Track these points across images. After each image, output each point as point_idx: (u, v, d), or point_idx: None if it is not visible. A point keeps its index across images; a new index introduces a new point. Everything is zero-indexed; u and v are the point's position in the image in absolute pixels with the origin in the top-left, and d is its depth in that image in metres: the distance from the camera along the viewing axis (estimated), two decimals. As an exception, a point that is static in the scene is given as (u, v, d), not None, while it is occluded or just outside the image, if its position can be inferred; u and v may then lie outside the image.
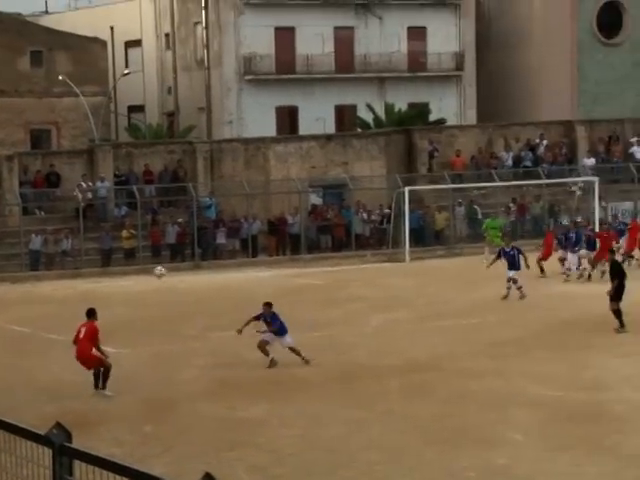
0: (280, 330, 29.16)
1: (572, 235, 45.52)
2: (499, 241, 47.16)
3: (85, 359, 25.77)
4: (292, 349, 29.10)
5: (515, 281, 39.63)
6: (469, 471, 19.93)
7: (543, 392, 25.76)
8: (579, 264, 44.74)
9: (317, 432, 22.87)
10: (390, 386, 27.03)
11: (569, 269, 44.64)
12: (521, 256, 40.36)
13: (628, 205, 59.25)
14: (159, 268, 28.66)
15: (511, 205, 58.15)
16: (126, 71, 73.42)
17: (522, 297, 39.11)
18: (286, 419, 23.93)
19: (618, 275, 33.44)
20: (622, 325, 32.52)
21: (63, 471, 7.68)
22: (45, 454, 7.80)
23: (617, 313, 32.46)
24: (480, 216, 56.42)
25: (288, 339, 29.49)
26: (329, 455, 21.07)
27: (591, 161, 62.26)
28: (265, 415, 24.29)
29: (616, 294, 32.59)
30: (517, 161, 62.08)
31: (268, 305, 29.62)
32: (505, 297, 39.45)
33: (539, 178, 59.00)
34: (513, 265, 40.02)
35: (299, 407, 25.00)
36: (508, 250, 41.20)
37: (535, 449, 21.18)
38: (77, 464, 7.58)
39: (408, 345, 31.98)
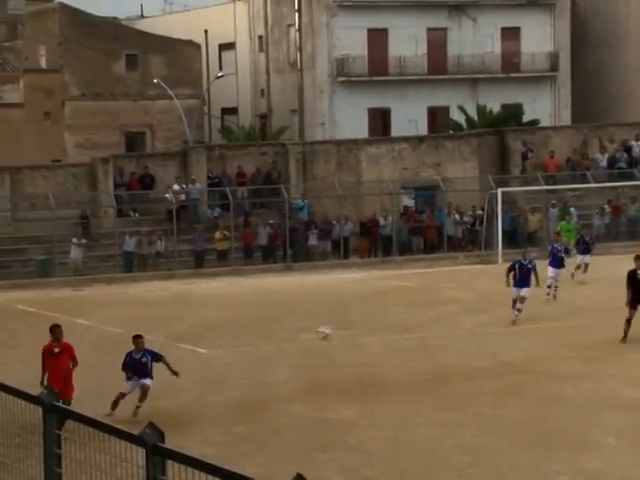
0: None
1: None
2: (573, 243, 47.10)
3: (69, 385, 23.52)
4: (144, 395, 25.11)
5: (523, 300, 35.41)
6: (562, 475, 19.83)
7: (637, 395, 25.45)
8: None
9: (408, 434, 22.83)
10: (482, 388, 26.95)
11: None
12: (533, 272, 36.44)
13: None
14: (323, 328, 27.54)
15: (606, 207, 57.76)
16: (220, 74, 74.15)
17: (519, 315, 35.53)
18: (377, 421, 23.91)
19: None
20: None
21: (156, 471, 7.70)
22: (139, 454, 7.78)
23: None
24: (575, 218, 56.01)
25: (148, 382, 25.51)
26: (421, 457, 21.07)
27: None
28: (356, 416, 24.28)
29: None
30: (612, 162, 61.54)
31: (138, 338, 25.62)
32: (514, 322, 35.16)
33: (634, 179, 58.57)
34: (524, 282, 35.69)
35: (390, 409, 24.98)
36: (526, 263, 37.03)
37: (629, 453, 20.98)
38: (170, 464, 7.56)
39: (500, 347, 31.93)
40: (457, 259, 53.55)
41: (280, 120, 72.58)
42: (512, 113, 68.97)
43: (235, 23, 78.07)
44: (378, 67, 71.81)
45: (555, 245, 41.36)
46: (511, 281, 35.48)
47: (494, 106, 69.20)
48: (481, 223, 55.44)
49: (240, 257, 54.23)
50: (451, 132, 66.05)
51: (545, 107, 73.32)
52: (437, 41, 72.76)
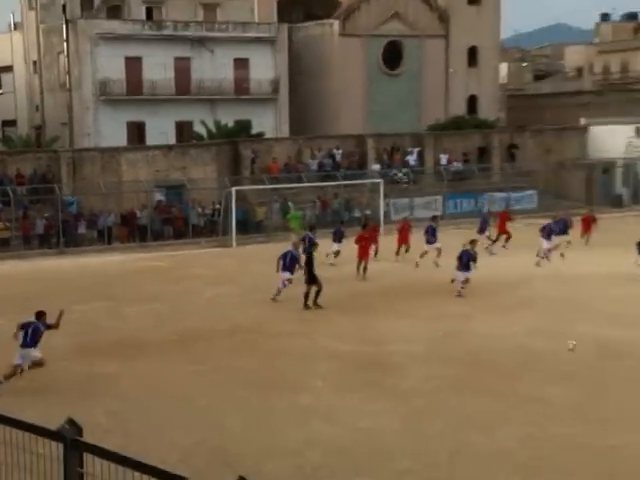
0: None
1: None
2: (299, 228, 48.01)
3: None
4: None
5: (287, 283, 34.01)
6: (280, 408, 20.63)
7: (341, 348, 26.47)
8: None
9: (162, 384, 23.15)
10: (220, 346, 27.42)
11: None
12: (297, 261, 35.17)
13: (406, 201, 60.21)
14: (572, 342, 26.33)
15: (316, 201, 58.94)
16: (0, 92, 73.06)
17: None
18: (136, 373, 24.20)
19: None
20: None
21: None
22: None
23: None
24: (292, 210, 57.16)
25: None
26: (171, 400, 21.53)
27: (377, 167, 63.29)
28: (119, 370, 24.51)
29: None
30: (321, 166, 62.70)
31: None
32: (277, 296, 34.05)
33: (337, 180, 59.67)
34: (289, 269, 34.06)
35: (147, 364, 25.27)
36: (295, 253, 35.81)
37: (333, 392, 21.96)
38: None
39: (235, 313, 32.35)
40: (200, 244, 53.46)
41: (53, 131, 71.74)
42: (243, 127, 69.31)
43: (12, 50, 77.28)
44: (134, 88, 71.58)
45: (310, 235, 39.24)
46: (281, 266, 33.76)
47: (229, 121, 69.61)
48: (219, 215, 55.66)
49: (20, 244, 52.64)
50: (194, 142, 66.12)
51: (269, 122, 74.07)
52: (182, 68, 72.90)
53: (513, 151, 68.47)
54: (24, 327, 23.47)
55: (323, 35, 78.82)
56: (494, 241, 46.72)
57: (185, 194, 58.27)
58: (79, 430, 5.74)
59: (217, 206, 56.90)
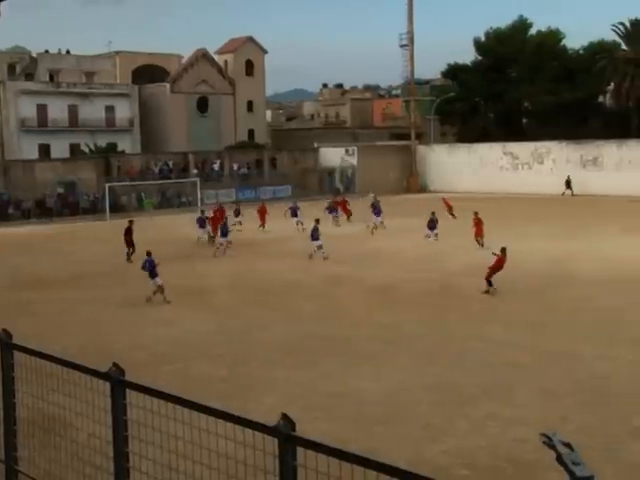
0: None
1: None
2: (151, 208, 47.79)
3: None
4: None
5: None
6: (138, 319, 20.02)
7: (175, 282, 24.98)
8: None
9: (61, 305, 22.21)
10: (99, 281, 26.26)
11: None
12: None
13: (213, 192, 59.25)
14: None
15: (158, 193, 57.69)
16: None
17: None
18: (46, 299, 23.05)
19: None
20: None
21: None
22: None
23: None
24: (145, 199, 56.48)
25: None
26: (66, 315, 20.77)
27: (195, 171, 61.93)
28: (36, 298, 23.29)
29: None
30: (161, 171, 60.69)
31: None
32: None
33: (171, 179, 58.44)
34: None
35: (53, 293, 24.07)
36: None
37: (171, 310, 21.29)
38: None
39: (110, 260, 30.59)
40: (86, 219, 51.39)
41: None
42: (112, 147, 67.78)
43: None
44: (43, 123, 69.35)
45: None
46: None
47: (103, 143, 68.26)
48: (98, 201, 54.20)
49: None
50: (81, 156, 63.85)
51: (128, 144, 72.34)
52: (73, 111, 71.34)
53: (274, 162, 68.75)
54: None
55: (160, 92, 77.96)
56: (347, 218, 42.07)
57: (77, 188, 56.79)
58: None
59: (97, 195, 55.58)
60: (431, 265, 27.87)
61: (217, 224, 34.47)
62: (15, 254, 34.52)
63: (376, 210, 38.36)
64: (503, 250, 21.90)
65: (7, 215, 52.49)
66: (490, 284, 21.69)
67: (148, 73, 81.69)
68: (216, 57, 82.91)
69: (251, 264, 26.02)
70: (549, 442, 3.41)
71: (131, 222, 31.76)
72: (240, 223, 39.60)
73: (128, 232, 31.09)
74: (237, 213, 40.69)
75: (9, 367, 6.59)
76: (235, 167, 66.05)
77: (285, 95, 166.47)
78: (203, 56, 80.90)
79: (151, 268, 22.64)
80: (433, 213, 34.96)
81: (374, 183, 58.09)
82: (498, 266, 21.48)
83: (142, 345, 16.94)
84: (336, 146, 70.66)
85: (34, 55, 77.81)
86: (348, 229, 39.68)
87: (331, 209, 42.00)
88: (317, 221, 31.22)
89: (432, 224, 34.13)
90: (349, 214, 43.09)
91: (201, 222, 35.88)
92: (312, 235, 30.27)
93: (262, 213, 39.88)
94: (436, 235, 33.98)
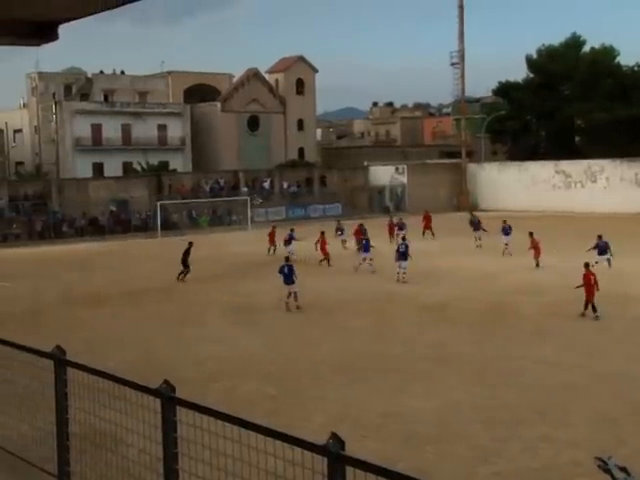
0: None
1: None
2: (206, 225, 47.85)
3: None
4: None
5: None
6: (189, 336, 19.91)
7: (226, 299, 25.60)
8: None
9: (115, 322, 22.38)
10: (154, 297, 26.33)
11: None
12: None
13: (263, 210, 59.89)
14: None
15: (208, 210, 58.57)
16: (13, 144, 71.91)
17: None
18: (100, 315, 23.06)
19: None
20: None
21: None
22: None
23: None
24: (195, 216, 56.96)
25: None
26: (121, 331, 20.96)
27: (245, 189, 62.22)
28: (90, 314, 23.44)
29: None
30: (211, 189, 61.21)
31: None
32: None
33: (222, 197, 58.77)
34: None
35: (107, 310, 24.11)
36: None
37: (221, 327, 21.03)
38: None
39: (161, 277, 30.84)
40: (138, 236, 51.69)
41: (47, 168, 69.62)
42: (164, 166, 68.50)
43: (22, 119, 75.54)
44: (97, 142, 70.54)
45: None
46: None
47: (155, 162, 68.84)
48: (150, 219, 54.59)
49: (26, 238, 51.08)
50: (134, 175, 64.92)
51: (179, 163, 73.26)
52: (126, 130, 72.18)
53: (324, 180, 68.65)
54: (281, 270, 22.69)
55: (211, 111, 78.67)
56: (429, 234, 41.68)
57: (129, 206, 57.54)
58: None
59: (148, 213, 56.26)
60: (485, 283, 27.68)
61: (359, 240, 34.55)
62: (69, 271, 35.05)
63: (504, 230, 34.96)
64: (586, 265, 20.99)
65: (61, 232, 53.44)
66: (594, 309, 20.38)
67: (199, 92, 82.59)
68: (267, 76, 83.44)
69: (301, 281, 25.90)
70: (604, 466, 3.32)
71: (191, 244, 31.79)
72: (344, 241, 38.55)
73: (187, 253, 31.40)
74: (340, 231, 39.74)
75: (62, 383, 6.63)
76: (285, 185, 66.33)
77: (335, 113, 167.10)
78: (254, 75, 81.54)
79: (289, 273, 23.23)
80: (472, 214, 35.12)
81: (424, 201, 57.75)
82: (588, 283, 20.37)
83: (192, 362, 16.98)
84: (386, 164, 70.47)
85: (89, 76, 79.19)
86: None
87: (340, 230, 39.91)
88: (364, 231, 32.54)
89: (474, 225, 37.56)
90: (391, 235, 40.99)
91: (289, 238, 35.43)
92: (364, 247, 30.85)
93: (358, 235, 36.62)
94: (480, 239, 36.32)
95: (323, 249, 33.37)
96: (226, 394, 14.02)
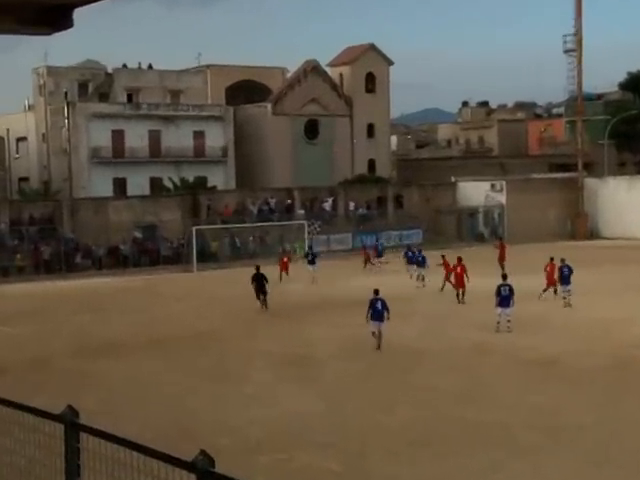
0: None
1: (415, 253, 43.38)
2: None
3: None
4: None
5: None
6: (229, 395, 20.34)
7: (276, 349, 26.00)
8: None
9: (139, 376, 22.91)
10: (184, 346, 26.87)
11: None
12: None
13: (325, 237, 61.29)
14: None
15: (255, 236, 59.41)
16: (16, 156, 74.09)
17: None
18: (120, 368, 23.73)
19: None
20: None
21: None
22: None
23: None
24: (239, 244, 58.09)
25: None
26: (145, 389, 21.38)
27: (302, 212, 63.29)
28: (107, 367, 24.06)
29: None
30: (259, 211, 62.58)
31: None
32: None
33: (272, 221, 60.33)
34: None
35: (127, 361, 24.81)
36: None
37: (268, 383, 21.28)
38: None
39: (195, 322, 31.76)
40: (169, 269, 53.38)
41: (57, 185, 71.72)
42: (201, 182, 70.13)
43: (27, 125, 77.39)
44: (118, 153, 71.97)
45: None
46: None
47: (190, 177, 70.06)
48: (183, 247, 55.93)
49: (32, 271, 52.45)
50: (164, 193, 66.45)
51: (220, 178, 74.54)
52: (154, 137, 73.74)
53: (400, 200, 69.02)
54: (372, 304, 24.66)
55: (259, 114, 79.59)
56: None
57: (157, 232, 58.32)
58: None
59: (181, 241, 56.87)
60: (604, 334, 27.35)
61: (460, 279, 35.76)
62: (82, 312, 35.52)
63: (562, 273, 34.77)
64: None
65: (74, 265, 54.34)
66: None
67: (245, 91, 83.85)
68: (329, 70, 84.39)
69: (355, 329, 26.32)
70: None
71: (258, 267, 34.20)
72: (381, 263, 47.59)
73: (255, 279, 33.16)
74: (379, 254, 48.90)
75: (74, 452, 6.39)
76: (352, 207, 66.83)
77: (415, 116, 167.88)
78: (313, 69, 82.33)
79: (382, 309, 24.79)
80: (563, 260, 34.28)
81: (528, 226, 57.25)
82: None
83: (233, 428, 17.07)
84: (479, 180, 70.51)
85: (109, 71, 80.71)
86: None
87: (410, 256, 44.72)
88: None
89: (563, 279, 33.52)
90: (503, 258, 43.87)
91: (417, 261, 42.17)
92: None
93: (460, 276, 36.55)
94: (569, 292, 33.29)
95: (460, 280, 35.31)
96: (276, 470, 14.08)
